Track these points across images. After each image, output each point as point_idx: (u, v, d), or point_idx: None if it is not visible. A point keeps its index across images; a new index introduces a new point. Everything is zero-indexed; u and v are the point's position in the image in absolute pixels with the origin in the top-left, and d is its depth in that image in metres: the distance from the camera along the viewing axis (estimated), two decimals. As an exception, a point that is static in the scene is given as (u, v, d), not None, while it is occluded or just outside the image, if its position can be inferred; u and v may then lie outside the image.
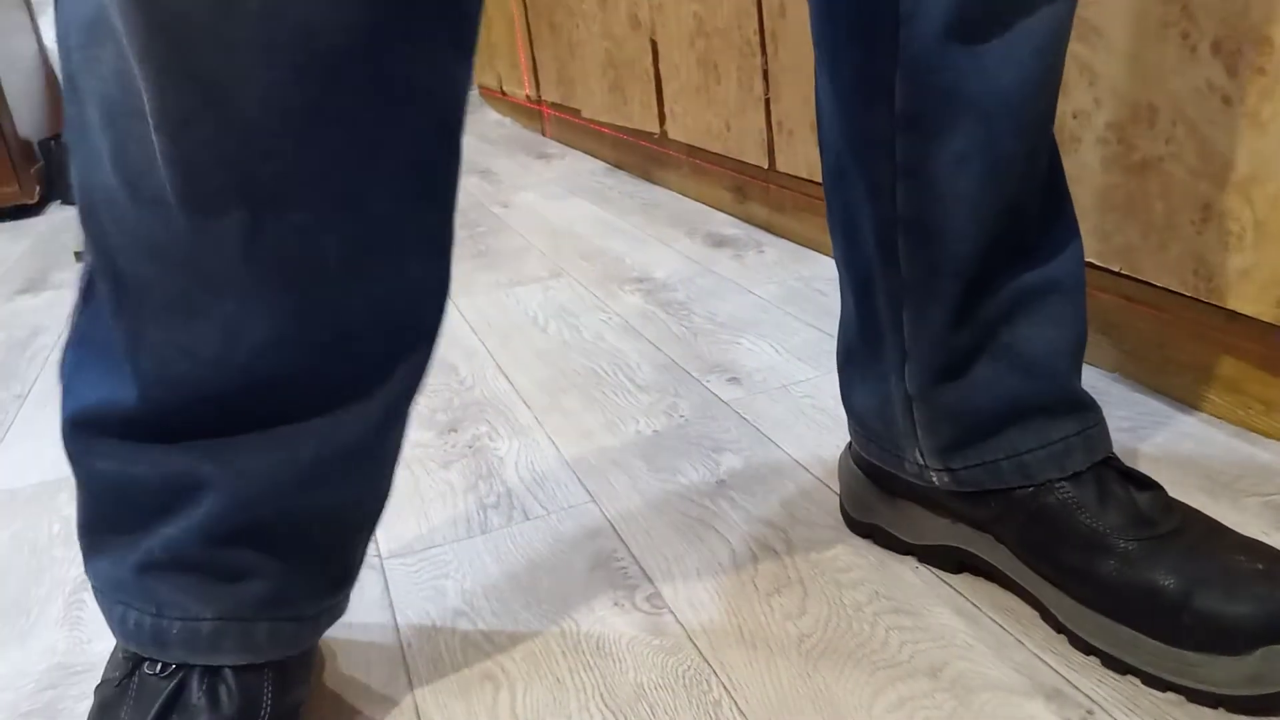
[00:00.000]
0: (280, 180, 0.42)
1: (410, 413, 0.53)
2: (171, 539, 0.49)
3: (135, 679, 0.50)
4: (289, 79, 0.40)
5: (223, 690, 0.50)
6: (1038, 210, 0.57)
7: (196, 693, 0.50)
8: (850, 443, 0.67)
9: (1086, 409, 0.57)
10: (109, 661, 0.53)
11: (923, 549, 0.64)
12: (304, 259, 0.45)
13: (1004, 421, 0.57)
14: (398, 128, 0.45)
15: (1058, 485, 0.56)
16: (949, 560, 0.62)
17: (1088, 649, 0.54)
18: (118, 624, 0.51)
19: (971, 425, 0.58)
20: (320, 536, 0.52)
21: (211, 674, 0.50)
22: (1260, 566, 0.51)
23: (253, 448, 0.48)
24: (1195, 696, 0.50)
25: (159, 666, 0.50)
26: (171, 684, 0.50)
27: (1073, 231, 0.58)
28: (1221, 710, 0.49)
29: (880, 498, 0.65)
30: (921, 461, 0.60)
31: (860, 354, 0.63)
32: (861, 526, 0.67)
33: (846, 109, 0.56)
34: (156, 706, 0.49)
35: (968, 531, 0.60)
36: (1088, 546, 0.54)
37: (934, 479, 0.60)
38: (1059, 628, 0.56)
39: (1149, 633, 0.51)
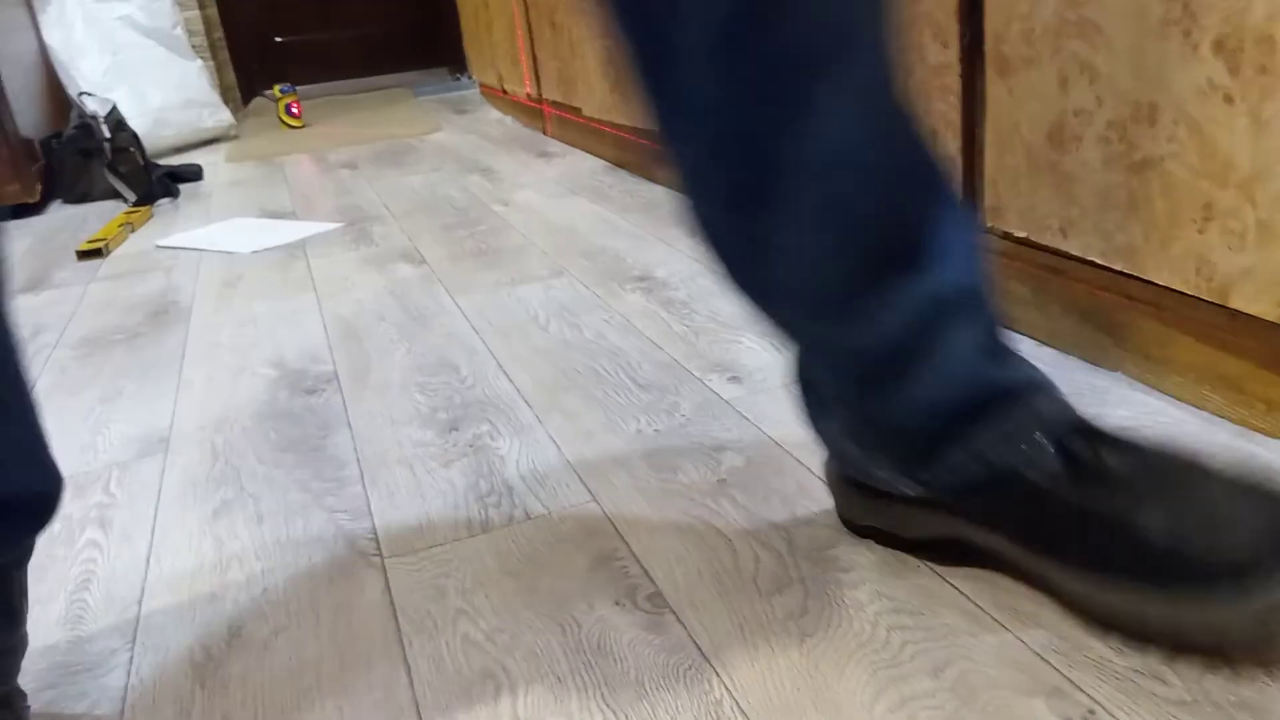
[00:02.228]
0: None
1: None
2: None
3: None
4: None
5: None
6: (916, 215, 0.56)
7: None
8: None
9: (1027, 388, 0.57)
10: None
11: (924, 542, 0.64)
12: None
13: (947, 425, 0.57)
14: None
15: (1027, 467, 0.56)
16: (951, 551, 0.62)
17: (1105, 625, 0.54)
18: None
19: (917, 437, 0.58)
20: None
21: None
22: (1246, 500, 0.51)
23: None
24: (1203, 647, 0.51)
25: None
26: None
27: (961, 230, 0.57)
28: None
29: (872, 502, 0.65)
30: (889, 477, 0.60)
31: (810, 384, 0.64)
32: (860, 529, 0.67)
33: None
34: None
35: (962, 523, 0.61)
36: (1074, 518, 0.54)
37: (907, 490, 0.60)
38: (1071, 607, 0.56)
39: (1151, 585, 0.51)
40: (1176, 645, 0.52)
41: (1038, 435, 0.56)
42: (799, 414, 0.67)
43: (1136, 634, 0.53)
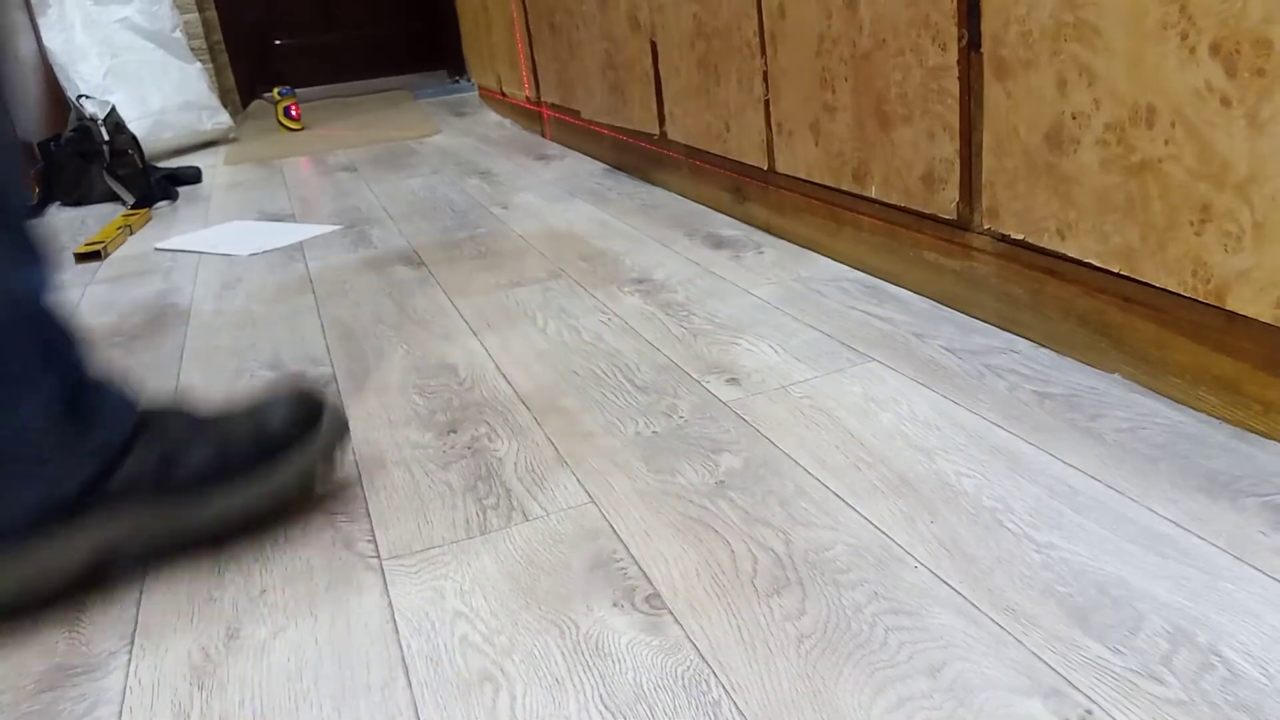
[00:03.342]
0: None
1: None
2: None
3: None
4: None
5: None
6: None
7: None
8: None
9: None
10: None
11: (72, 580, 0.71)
12: None
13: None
14: None
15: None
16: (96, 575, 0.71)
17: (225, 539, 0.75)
18: None
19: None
20: None
21: None
22: (278, 404, 0.76)
23: None
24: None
25: None
26: None
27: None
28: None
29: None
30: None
31: None
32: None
33: None
34: None
35: (115, 522, 0.71)
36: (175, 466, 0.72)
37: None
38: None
39: (232, 483, 0.73)
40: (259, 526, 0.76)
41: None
42: None
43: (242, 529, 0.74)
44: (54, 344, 0.69)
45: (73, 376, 0.70)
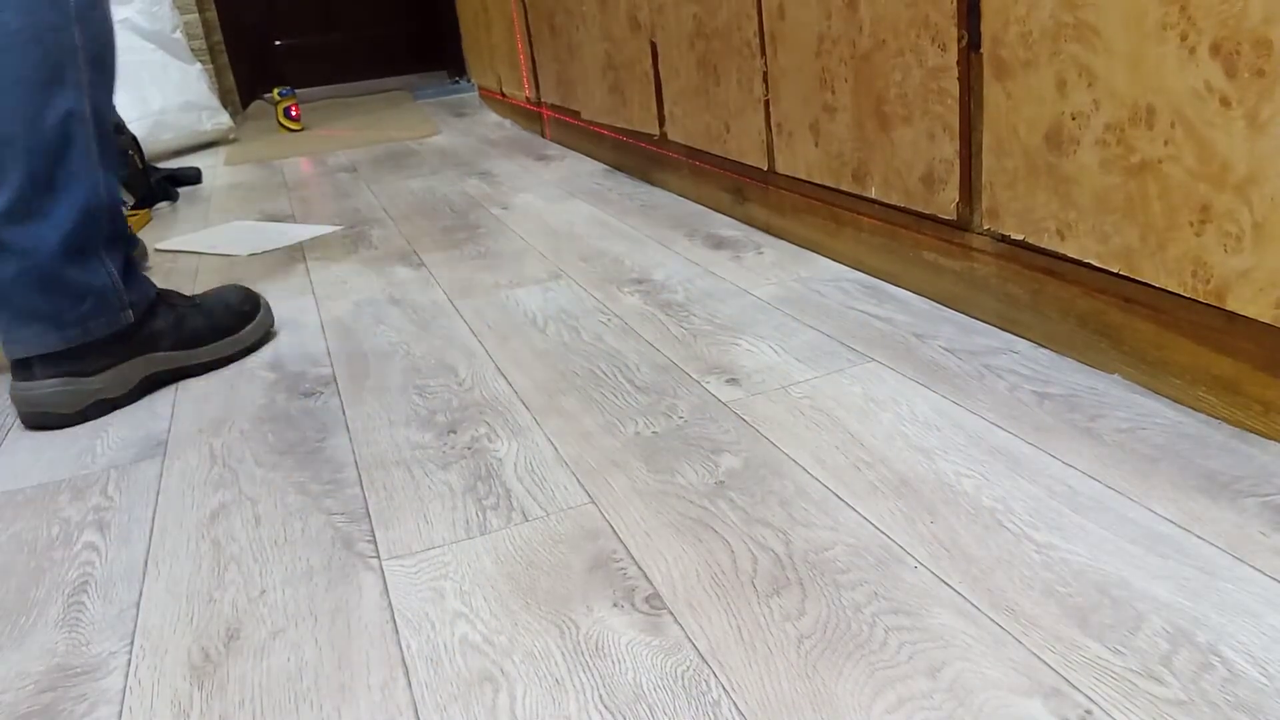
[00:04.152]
0: None
1: None
2: None
3: None
4: None
5: None
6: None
7: None
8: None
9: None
10: None
11: (129, 393, 1.06)
12: None
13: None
14: None
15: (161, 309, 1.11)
16: (145, 389, 1.08)
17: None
18: None
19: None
20: None
21: None
22: (232, 293, 1.19)
23: None
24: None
25: None
26: None
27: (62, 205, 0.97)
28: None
29: (86, 383, 1.02)
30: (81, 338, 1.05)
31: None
32: (83, 412, 1.02)
33: None
34: None
35: (152, 356, 1.08)
36: (184, 326, 1.12)
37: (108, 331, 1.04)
38: None
39: (223, 338, 1.14)
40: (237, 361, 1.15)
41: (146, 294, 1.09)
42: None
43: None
44: (121, 228, 1.04)
45: (128, 252, 1.05)
